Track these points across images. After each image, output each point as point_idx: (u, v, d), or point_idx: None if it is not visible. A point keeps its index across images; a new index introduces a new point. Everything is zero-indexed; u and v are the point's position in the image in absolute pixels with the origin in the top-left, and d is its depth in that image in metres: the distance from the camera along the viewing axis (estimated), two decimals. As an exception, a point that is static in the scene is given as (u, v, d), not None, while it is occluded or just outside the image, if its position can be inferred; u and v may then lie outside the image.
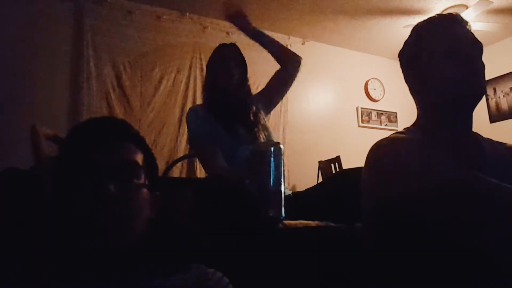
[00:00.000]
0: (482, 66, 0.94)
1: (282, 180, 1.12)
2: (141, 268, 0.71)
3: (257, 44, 1.82)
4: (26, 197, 0.81)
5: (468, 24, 0.98)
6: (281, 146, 1.14)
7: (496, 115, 4.65)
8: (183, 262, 0.75)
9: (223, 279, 0.74)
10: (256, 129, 1.65)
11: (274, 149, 1.12)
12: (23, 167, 0.97)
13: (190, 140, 1.78)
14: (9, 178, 0.89)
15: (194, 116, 1.72)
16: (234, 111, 1.67)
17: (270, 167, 1.11)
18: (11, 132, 2.87)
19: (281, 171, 1.12)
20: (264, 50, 1.83)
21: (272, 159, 1.11)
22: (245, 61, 1.75)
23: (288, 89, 1.88)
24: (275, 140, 1.35)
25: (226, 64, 1.68)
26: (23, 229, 0.76)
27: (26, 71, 3.19)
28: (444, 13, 1.03)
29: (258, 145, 1.19)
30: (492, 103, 4.68)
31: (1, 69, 3.06)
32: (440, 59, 0.94)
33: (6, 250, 0.73)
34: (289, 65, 1.82)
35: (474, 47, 0.95)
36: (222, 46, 1.78)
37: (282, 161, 1.13)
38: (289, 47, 4.36)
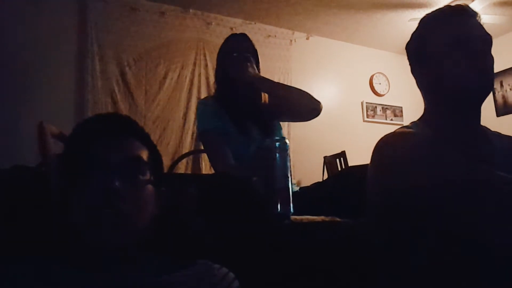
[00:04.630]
0: (491, 60, 0.92)
1: (289, 175, 1.11)
2: (146, 264, 0.71)
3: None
4: (32, 194, 0.81)
5: (478, 15, 0.96)
6: (287, 141, 1.13)
7: (503, 109, 4.60)
8: (189, 258, 0.75)
9: (229, 275, 0.74)
10: (269, 130, 1.60)
11: (279, 144, 1.11)
12: (29, 164, 0.98)
13: (199, 135, 1.76)
14: (16, 175, 0.89)
15: (204, 110, 1.68)
16: (246, 106, 1.62)
17: (276, 163, 1.10)
18: (17, 130, 2.88)
19: (288, 166, 1.11)
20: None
21: (278, 154, 1.11)
22: (256, 52, 1.68)
23: None
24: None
25: (238, 54, 1.61)
26: (30, 225, 0.77)
27: (31, 69, 3.20)
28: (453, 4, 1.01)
29: (264, 141, 1.18)
30: (499, 96, 4.64)
31: (7, 67, 3.08)
32: (448, 52, 0.92)
33: (13, 246, 0.74)
34: (305, 119, 1.71)
35: (483, 40, 0.93)
36: (233, 36, 1.73)
37: (288, 156, 1.12)
38: (293, 42, 4.41)
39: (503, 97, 4.62)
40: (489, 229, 0.77)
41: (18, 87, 3.13)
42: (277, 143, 1.11)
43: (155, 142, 0.80)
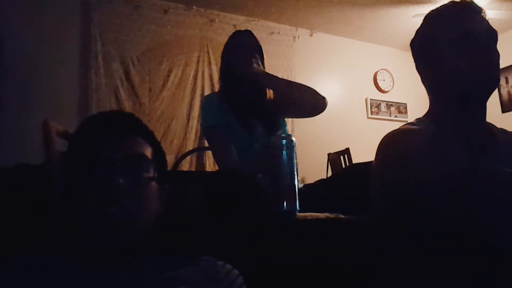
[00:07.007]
0: (496, 55, 0.92)
1: (296, 173, 1.10)
2: (150, 261, 0.71)
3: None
4: (37, 192, 0.82)
5: (483, 11, 0.95)
6: (293, 139, 1.13)
7: (508, 105, 4.57)
8: (193, 255, 0.75)
9: (233, 271, 0.74)
10: (273, 126, 1.60)
11: (286, 141, 1.11)
12: (33, 162, 0.98)
13: (203, 131, 1.76)
14: (20, 173, 0.90)
15: (208, 106, 1.68)
16: (250, 102, 1.62)
17: (282, 160, 1.10)
18: (21, 128, 2.89)
19: (294, 164, 1.11)
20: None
21: (284, 152, 1.10)
22: (261, 48, 1.68)
23: None
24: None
25: (242, 51, 1.61)
26: (34, 223, 0.77)
27: (35, 67, 3.21)
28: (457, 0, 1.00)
29: (270, 139, 1.18)
30: (504, 92, 4.61)
31: (11, 65, 3.09)
32: (452, 48, 0.92)
33: (17, 244, 0.74)
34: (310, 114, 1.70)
35: (488, 35, 0.92)
36: (238, 33, 1.73)
37: (294, 153, 1.12)
38: (296, 39, 4.40)
39: (509, 93, 4.59)
40: (492, 225, 0.77)
41: (22, 85, 3.14)
42: (284, 141, 1.11)
43: (159, 140, 0.80)
